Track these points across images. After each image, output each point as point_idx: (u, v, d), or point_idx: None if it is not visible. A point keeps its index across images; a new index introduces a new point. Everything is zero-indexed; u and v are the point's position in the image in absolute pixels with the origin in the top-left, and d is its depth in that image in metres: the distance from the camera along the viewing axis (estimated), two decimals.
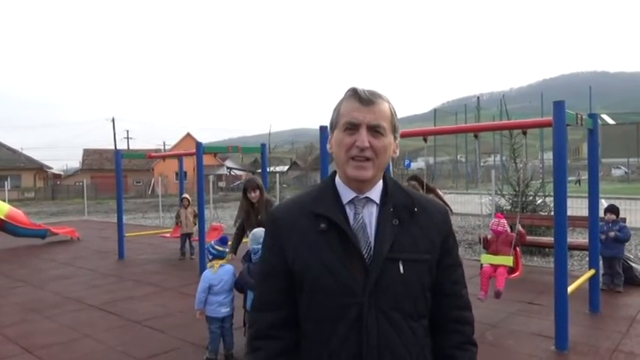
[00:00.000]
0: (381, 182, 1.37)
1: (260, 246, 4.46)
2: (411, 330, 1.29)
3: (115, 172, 10.28)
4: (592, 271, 5.42)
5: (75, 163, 59.83)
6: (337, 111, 1.35)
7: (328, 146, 1.40)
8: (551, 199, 9.69)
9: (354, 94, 1.32)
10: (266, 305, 1.37)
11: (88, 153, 52.47)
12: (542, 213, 9.28)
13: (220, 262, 4.27)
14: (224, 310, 4.20)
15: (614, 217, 6.48)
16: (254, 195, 5.11)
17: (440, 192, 6.65)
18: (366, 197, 1.34)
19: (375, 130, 1.29)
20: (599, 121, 5.55)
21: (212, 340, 4.25)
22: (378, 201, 1.35)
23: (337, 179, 1.38)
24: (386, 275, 1.26)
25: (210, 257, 4.30)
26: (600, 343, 4.59)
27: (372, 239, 1.29)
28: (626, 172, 41.25)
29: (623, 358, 4.23)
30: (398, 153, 1.39)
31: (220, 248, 4.29)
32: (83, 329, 5.33)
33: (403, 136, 6.42)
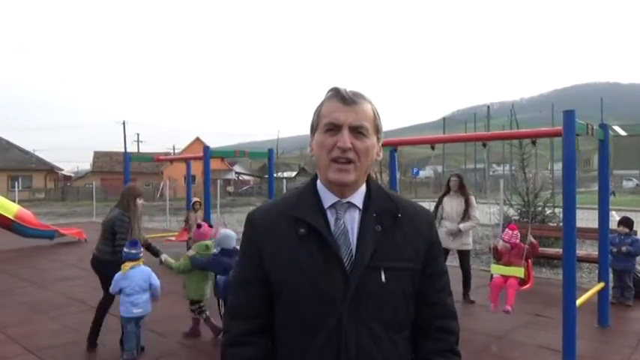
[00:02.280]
0: (364, 186, 1.32)
1: (218, 248, 4.78)
2: (391, 342, 1.24)
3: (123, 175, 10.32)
4: (601, 284, 5.32)
5: (86, 165, 60.36)
6: (318, 112, 1.30)
7: (309, 149, 1.34)
8: (561, 209, 9.61)
9: (336, 94, 1.27)
10: (241, 312, 1.32)
11: (98, 155, 52.87)
12: (551, 224, 9.17)
13: (132, 264, 4.41)
14: (136, 311, 4.33)
15: (627, 230, 6.37)
16: (141, 203, 5.00)
17: (473, 201, 6.57)
18: (348, 202, 1.29)
19: (357, 131, 1.24)
20: (610, 132, 5.47)
21: (128, 340, 4.37)
22: (360, 206, 1.29)
23: (319, 183, 1.32)
24: (367, 284, 1.21)
25: (123, 260, 4.45)
26: (609, 358, 4.50)
27: (353, 246, 1.24)
28: (638, 184, 40.77)
29: None
30: (381, 156, 1.34)
31: (131, 251, 4.43)
32: (87, 331, 5.29)
33: (407, 143, 6.40)
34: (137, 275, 4.39)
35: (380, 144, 1.33)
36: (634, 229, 6.57)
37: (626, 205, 20.28)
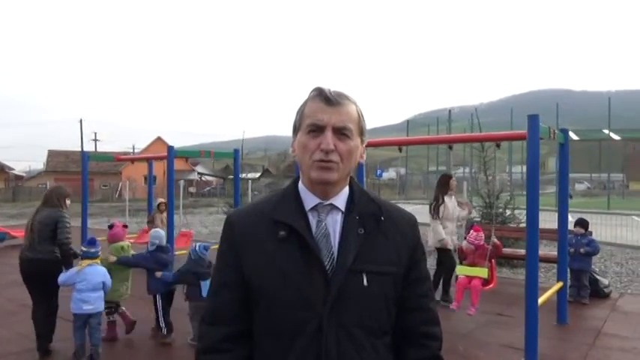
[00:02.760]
0: (347, 188, 1.29)
1: (154, 246, 5.04)
2: (372, 347, 1.21)
3: (80, 175, 9.93)
4: (560, 284, 5.49)
5: (39, 164, 57.96)
6: (301, 112, 1.26)
7: (291, 150, 1.31)
8: (520, 211, 9.91)
9: (319, 94, 1.23)
10: (219, 318, 1.27)
11: (52, 154, 50.86)
12: (510, 225, 9.42)
13: (89, 262, 4.49)
14: (87, 308, 4.38)
15: (582, 230, 6.61)
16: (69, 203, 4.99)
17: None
18: (331, 204, 1.26)
19: (341, 132, 1.21)
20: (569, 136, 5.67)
21: (77, 337, 4.43)
22: (343, 208, 1.26)
23: (300, 185, 1.29)
24: (348, 288, 1.18)
25: (81, 257, 4.56)
26: (568, 355, 4.64)
27: (335, 249, 1.21)
28: (589, 187, 42.70)
29: None
30: (365, 158, 1.32)
31: (90, 250, 4.57)
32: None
33: (380, 145, 6.42)
34: (92, 273, 4.45)
35: (364, 146, 1.30)
36: (589, 229, 6.83)
37: (579, 206, 21.17)
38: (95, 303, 4.41)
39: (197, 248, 4.85)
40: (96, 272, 4.49)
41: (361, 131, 1.27)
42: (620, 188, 39.20)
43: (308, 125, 1.22)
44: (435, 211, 6.33)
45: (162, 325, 4.91)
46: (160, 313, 4.92)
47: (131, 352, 4.89)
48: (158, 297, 4.94)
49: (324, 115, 1.20)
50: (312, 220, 1.24)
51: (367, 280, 1.20)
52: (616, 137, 31.01)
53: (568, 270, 6.00)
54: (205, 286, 4.64)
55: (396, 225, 1.29)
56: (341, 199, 1.27)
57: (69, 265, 4.65)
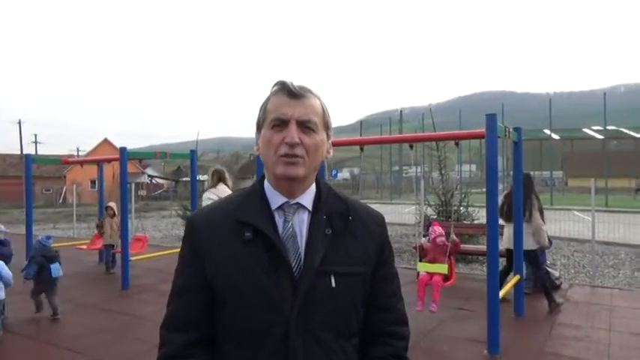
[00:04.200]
0: (313, 186, 1.25)
1: None
2: (341, 350, 1.19)
3: (22, 179, 9.37)
4: (517, 277, 5.70)
5: None
6: (264, 107, 1.22)
7: (255, 147, 1.26)
8: (473, 208, 10.25)
9: (282, 87, 1.19)
10: (180, 324, 1.21)
11: None
12: (465, 222, 9.72)
13: None
14: None
15: None
16: None
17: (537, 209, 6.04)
18: (297, 203, 1.22)
19: (305, 125, 1.17)
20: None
21: None
22: (310, 207, 1.23)
23: (266, 183, 1.25)
24: (316, 290, 1.15)
25: None
26: (528, 345, 4.82)
27: (302, 250, 1.18)
28: None
29: (550, 359, 4.45)
30: (332, 154, 1.28)
31: None
32: None
33: (340, 145, 6.43)
34: None
35: (330, 142, 1.27)
36: None
37: None
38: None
39: (41, 239, 5.94)
40: None
41: (326, 126, 1.24)
42: (560, 185, 41.38)
43: (272, 120, 1.18)
44: (541, 213, 6.04)
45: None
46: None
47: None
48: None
49: (287, 108, 1.17)
50: (279, 219, 1.20)
51: (335, 282, 1.17)
52: (556, 137, 32.74)
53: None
54: (55, 268, 5.78)
55: (364, 224, 1.26)
56: (308, 198, 1.23)
57: None
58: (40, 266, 5.75)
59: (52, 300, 5.89)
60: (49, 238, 6.02)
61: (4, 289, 5.21)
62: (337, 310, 1.18)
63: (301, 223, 1.21)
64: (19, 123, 46.98)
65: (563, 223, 12.93)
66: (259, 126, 1.23)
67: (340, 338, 1.19)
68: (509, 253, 6.23)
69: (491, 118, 4.64)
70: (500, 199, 6.11)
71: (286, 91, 1.18)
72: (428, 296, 5.36)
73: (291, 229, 1.19)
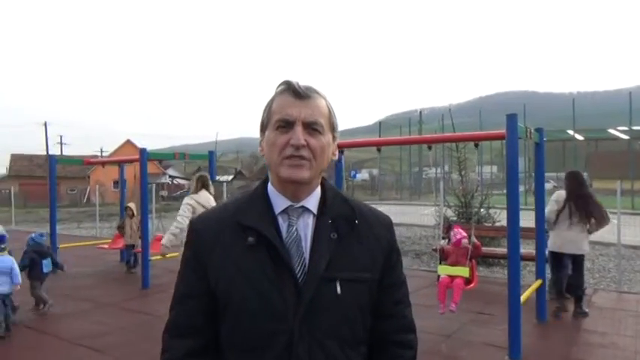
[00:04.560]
0: (319, 189, 1.22)
1: None
2: (347, 359, 1.15)
3: (47, 179, 9.56)
4: (539, 281, 5.57)
5: (1, 169, 55.80)
6: (269, 108, 1.18)
7: (259, 149, 1.23)
8: (494, 210, 10.08)
9: (288, 88, 1.16)
10: (183, 330, 1.19)
11: (15, 158, 49.09)
12: (486, 224, 9.57)
13: None
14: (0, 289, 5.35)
15: None
16: None
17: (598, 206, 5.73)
18: (302, 206, 1.18)
19: (311, 127, 1.14)
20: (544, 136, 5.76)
21: None
22: (315, 211, 1.19)
23: (269, 186, 1.21)
24: (321, 297, 1.11)
25: None
26: (551, 352, 4.70)
27: (306, 255, 1.14)
28: (555, 185, 43.95)
29: None
30: (337, 155, 1.25)
31: (0, 245, 5.41)
32: (9, 351, 4.83)
33: (356, 145, 6.40)
34: (1, 262, 5.34)
35: (336, 143, 1.23)
36: None
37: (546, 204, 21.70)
38: (4, 285, 5.32)
39: (34, 236, 6.25)
40: (4, 261, 5.37)
41: (332, 127, 1.20)
42: None
43: (277, 121, 1.14)
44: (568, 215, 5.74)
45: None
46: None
47: None
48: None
49: (293, 109, 1.13)
50: (283, 224, 1.17)
51: (341, 289, 1.13)
52: (580, 137, 32.03)
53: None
54: (46, 264, 6.12)
55: (371, 228, 1.23)
56: (313, 201, 1.20)
57: None
58: (32, 261, 6.05)
59: (40, 293, 6.19)
60: (42, 235, 6.38)
61: (11, 284, 5.38)
62: (343, 318, 1.14)
63: (306, 228, 1.18)
64: (45, 124, 48.09)
65: None
66: (263, 127, 1.20)
67: (346, 346, 1.15)
68: (560, 258, 5.84)
69: (511, 119, 4.55)
70: (554, 200, 5.88)
71: (292, 91, 1.15)
72: (448, 299, 5.29)
73: (295, 234, 1.16)
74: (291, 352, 1.09)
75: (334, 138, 1.22)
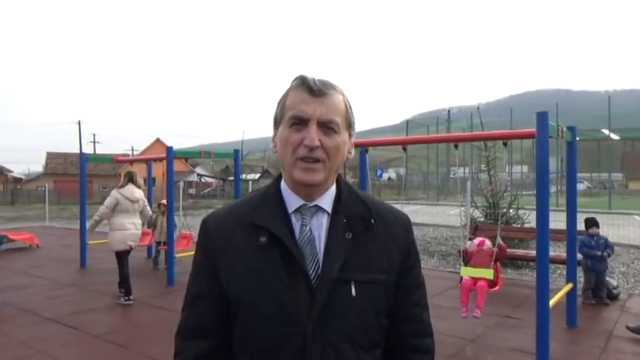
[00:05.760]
0: (333, 188, 1.17)
1: None
2: None
3: (79, 177, 9.81)
4: (570, 285, 5.38)
5: (37, 167, 57.75)
6: (282, 103, 1.14)
7: (272, 145, 1.18)
8: (524, 211, 9.81)
9: (302, 83, 1.10)
10: (195, 332, 1.16)
11: (51, 157, 50.71)
12: (515, 225, 9.32)
13: None
14: None
15: (598, 230, 6.47)
16: None
17: None
18: (316, 205, 1.14)
19: (326, 126, 1.09)
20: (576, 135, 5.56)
21: None
22: (329, 210, 1.14)
23: (282, 184, 1.17)
24: (335, 299, 1.07)
25: None
26: (580, 359, 4.52)
27: (320, 256, 1.10)
28: (589, 186, 42.65)
29: None
30: (353, 154, 1.20)
31: None
32: (38, 344, 4.94)
33: (382, 144, 6.32)
34: None
35: (352, 140, 1.18)
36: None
37: (580, 206, 21.03)
38: None
39: None
40: None
41: (349, 124, 1.15)
42: (620, 188, 39.14)
43: (290, 118, 1.10)
44: None
45: None
46: None
47: None
48: None
49: (307, 106, 1.08)
50: (296, 223, 1.13)
51: (356, 290, 1.09)
52: (615, 137, 30.99)
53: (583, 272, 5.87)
54: None
55: (388, 227, 1.17)
56: (327, 200, 1.15)
57: None
58: None
59: None
60: None
61: None
62: (358, 321, 1.10)
63: (320, 227, 1.13)
64: (79, 123, 49.52)
65: (622, 228, 12.22)
66: (277, 122, 1.15)
67: (361, 350, 1.10)
68: None
69: (541, 117, 4.39)
70: None
71: (307, 87, 1.09)
72: (472, 302, 5.15)
73: (308, 234, 1.12)
74: (304, 356, 1.06)
75: (350, 136, 1.17)
